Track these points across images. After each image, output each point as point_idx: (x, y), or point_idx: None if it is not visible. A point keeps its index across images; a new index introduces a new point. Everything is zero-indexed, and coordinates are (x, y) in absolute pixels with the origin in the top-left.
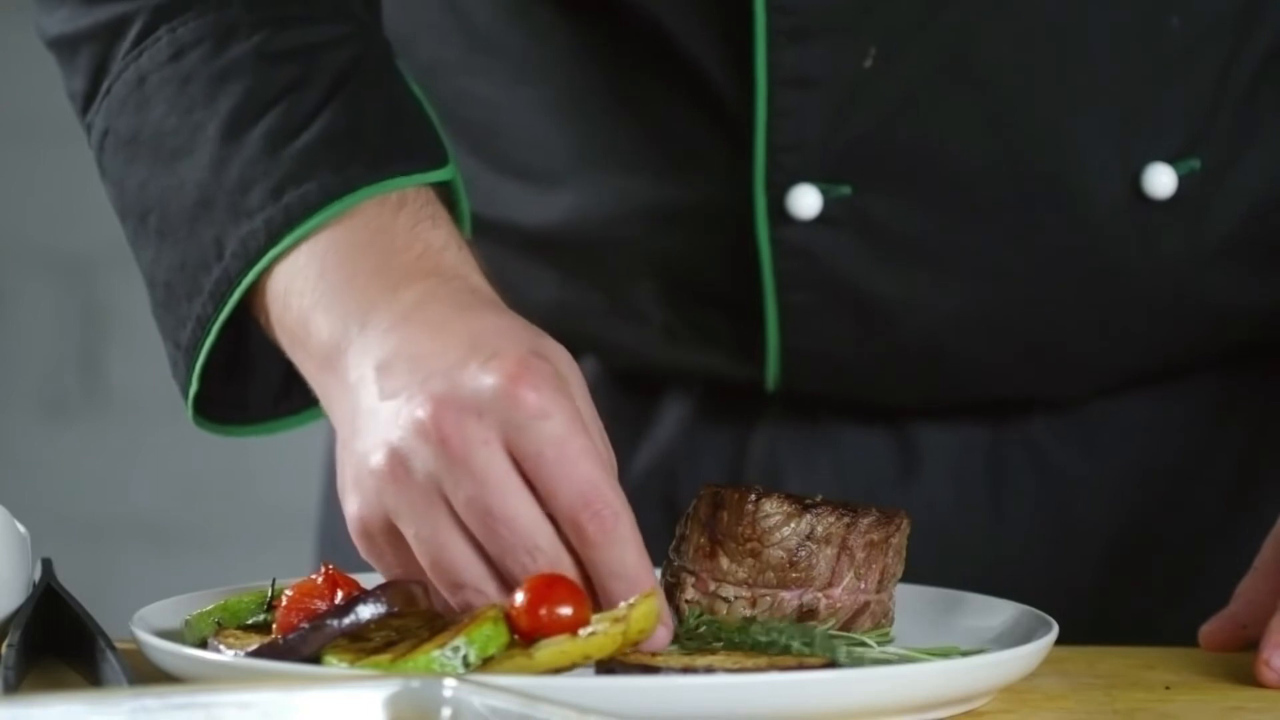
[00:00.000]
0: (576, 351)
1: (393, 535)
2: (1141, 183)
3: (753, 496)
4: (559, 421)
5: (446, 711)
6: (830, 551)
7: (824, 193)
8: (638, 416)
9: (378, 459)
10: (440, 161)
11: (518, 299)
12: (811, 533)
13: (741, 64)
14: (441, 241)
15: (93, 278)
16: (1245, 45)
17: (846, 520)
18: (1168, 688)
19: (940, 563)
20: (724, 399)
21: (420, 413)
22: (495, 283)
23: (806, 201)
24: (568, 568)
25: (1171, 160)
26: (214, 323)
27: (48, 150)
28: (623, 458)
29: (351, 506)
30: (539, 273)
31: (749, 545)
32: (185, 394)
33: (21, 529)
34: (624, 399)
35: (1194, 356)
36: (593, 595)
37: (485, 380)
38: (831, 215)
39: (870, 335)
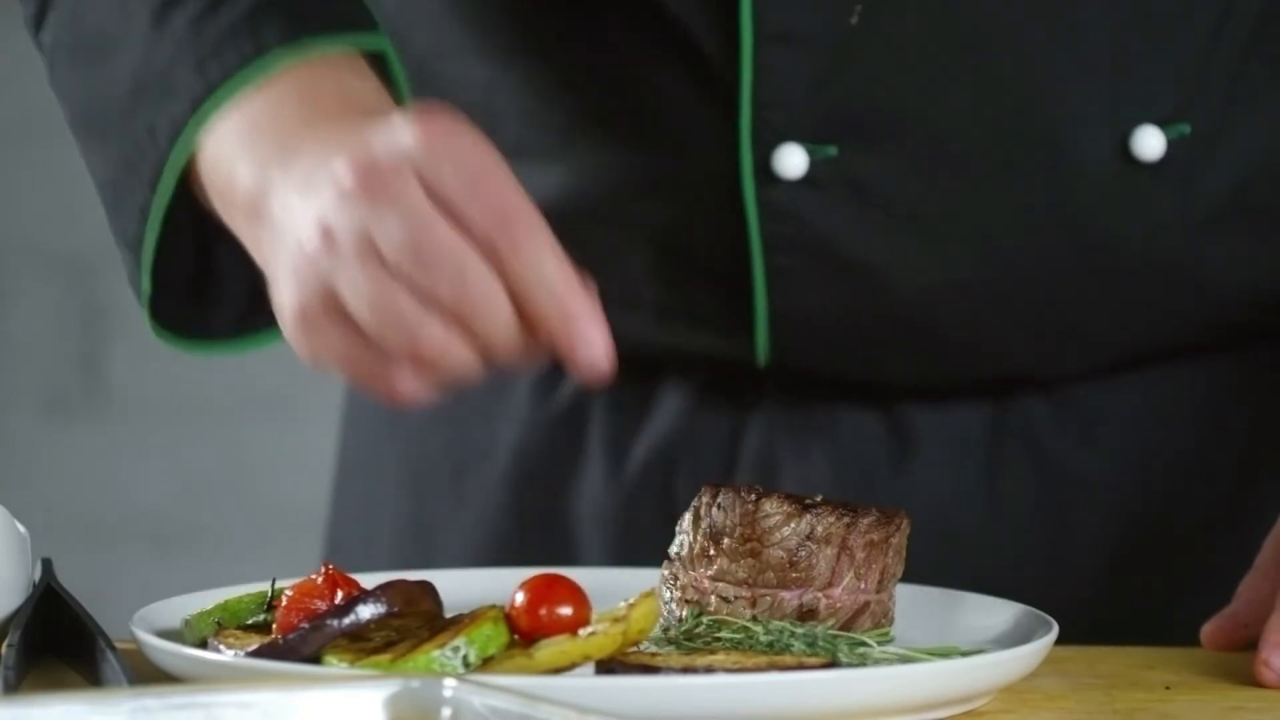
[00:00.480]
0: None
1: (331, 312)
2: (1130, 145)
3: (753, 496)
4: (466, 148)
5: (446, 711)
6: (830, 551)
7: (810, 153)
8: (635, 408)
9: (307, 237)
10: (363, 26)
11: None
12: (811, 533)
13: (728, 22)
14: (365, 88)
15: (93, 278)
16: (1236, 8)
17: (846, 520)
18: (1168, 688)
19: (937, 555)
20: (719, 388)
21: (337, 174)
22: None
23: (793, 161)
24: (495, 289)
25: (1161, 123)
26: (155, 210)
27: (47, 150)
28: (620, 450)
29: (287, 299)
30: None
31: (749, 545)
32: (140, 297)
33: (21, 529)
34: (621, 390)
35: (1193, 337)
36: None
37: (394, 134)
38: (818, 176)
39: (859, 302)
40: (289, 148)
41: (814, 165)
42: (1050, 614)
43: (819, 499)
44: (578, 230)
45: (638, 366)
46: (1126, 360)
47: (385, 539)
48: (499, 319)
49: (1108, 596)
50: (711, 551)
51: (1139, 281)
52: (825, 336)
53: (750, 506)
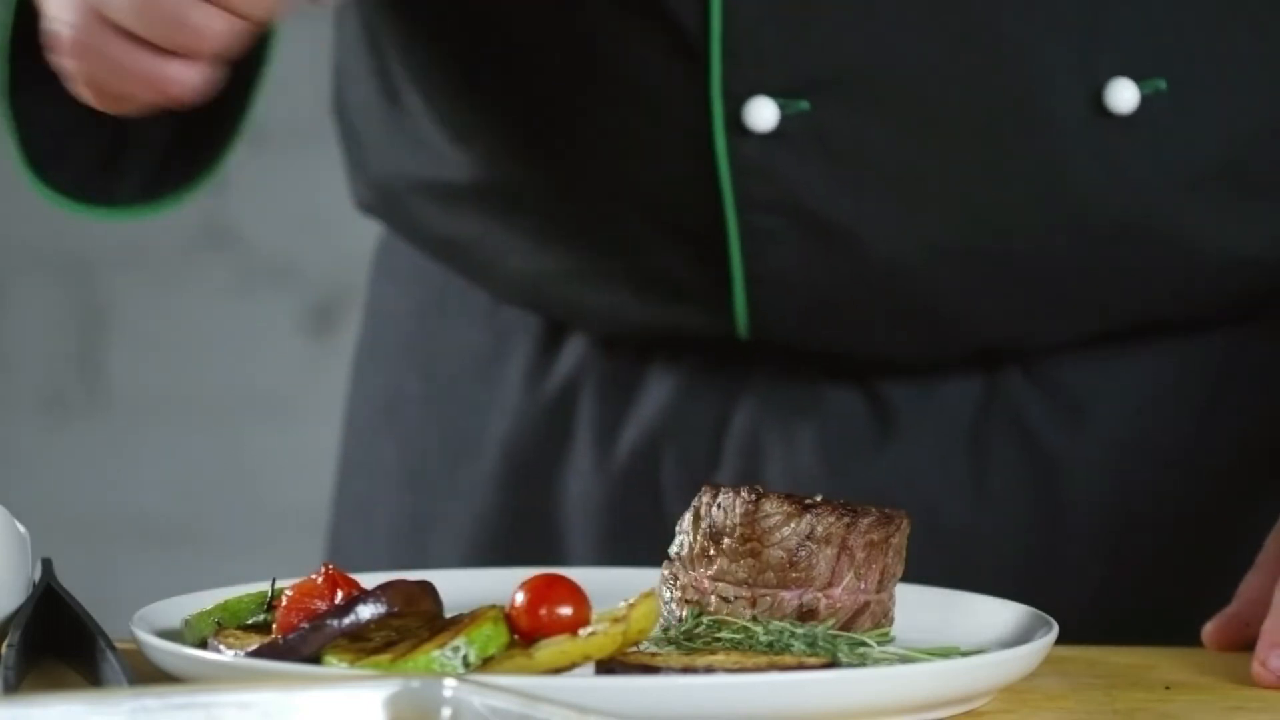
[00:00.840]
0: (560, 324)
1: (102, 29)
2: (1104, 98)
3: (753, 496)
4: None
5: (446, 711)
6: (830, 551)
7: (782, 107)
8: (621, 395)
9: None
10: None
11: (494, 268)
12: (811, 533)
13: None
14: None
15: (93, 278)
16: None
17: (846, 520)
18: (1168, 688)
19: (923, 540)
20: (705, 373)
21: None
22: (474, 253)
23: (763, 114)
24: None
25: (1136, 78)
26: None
27: None
28: (608, 438)
29: (61, 29)
30: (509, 238)
31: (749, 545)
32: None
33: (21, 529)
34: (608, 377)
35: (1185, 310)
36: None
37: None
38: (790, 131)
39: (836, 265)
40: None
41: (785, 120)
42: (1038, 600)
43: (819, 499)
44: (554, 202)
45: (623, 351)
46: (1115, 333)
47: (383, 534)
48: None
49: (1095, 583)
50: (711, 551)
51: (1123, 245)
52: (804, 304)
53: (750, 506)
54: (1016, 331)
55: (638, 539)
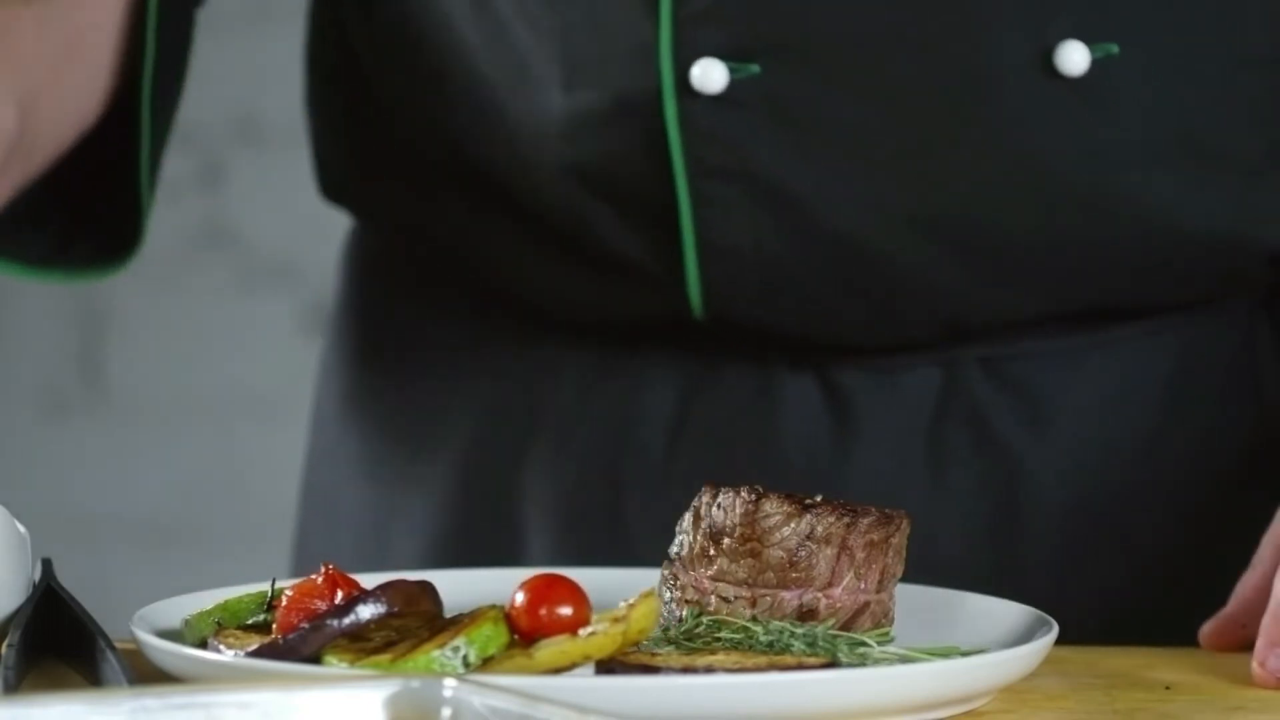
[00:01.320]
0: (523, 316)
1: None
2: (1055, 60)
3: (752, 496)
4: None
5: (446, 711)
6: (830, 551)
7: (732, 71)
8: (581, 389)
9: None
10: None
11: (459, 256)
12: (811, 533)
13: None
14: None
15: None
16: None
17: (846, 520)
18: (1168, 688)
19: None
20: (664, 366)
21: None
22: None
23: (713, 76)
24: None
25: (1087, 41)
26: None
27: None
28: (566, 432)
29: None
30: (469, 223)
31: (749, 545)
32: None
33: (21, 529)
34: (568, 371)
35: (1141, 294)
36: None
37: None
38: (741, 96)
39: (789, 236)
40: None
41: (736, 84)
42: (991, 590)
43: (819, 499)
44: (513, 183)
45: (584, 343)
46: (1075, 316)
47: (345, 524)
48: None
49: (1053, 581)
50: (711, 551)
51: (1079, 213)
52: (758, 278)
53: (750, 506)
54: (974, 307)
55: (598, 531)
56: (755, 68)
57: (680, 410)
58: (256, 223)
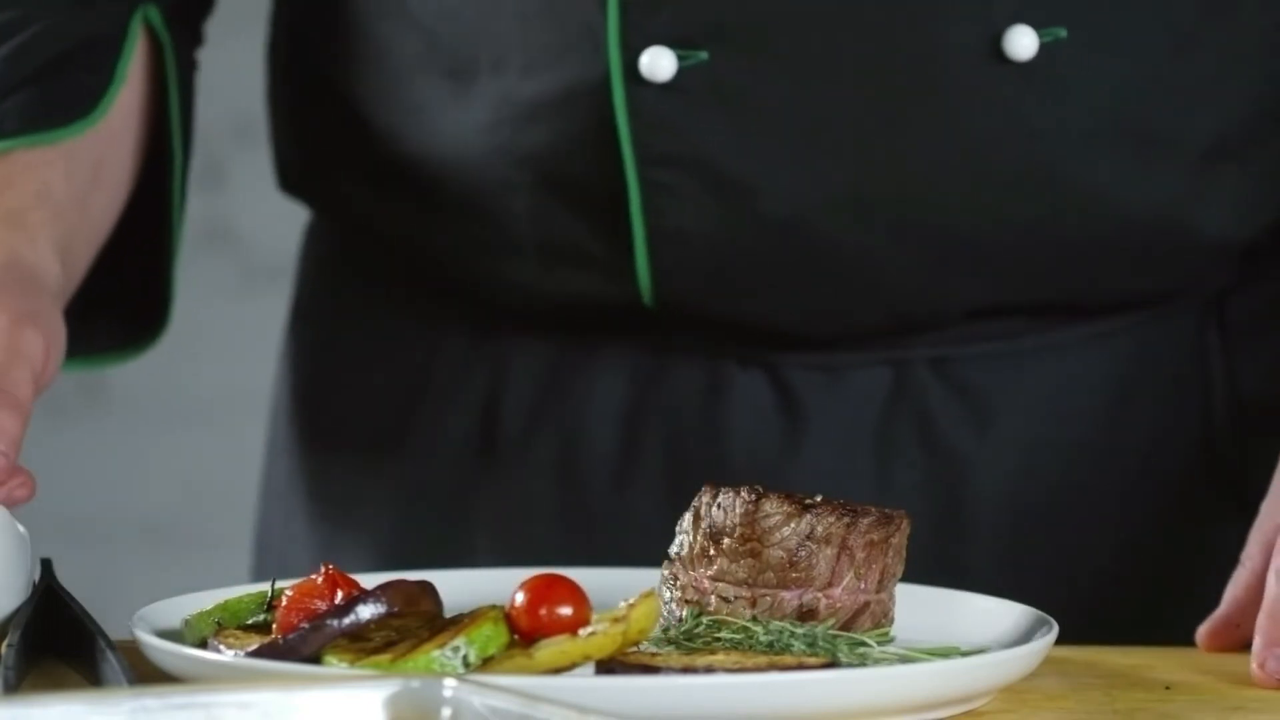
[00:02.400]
0: (480, 311)
1: None
2: (1002, 45)
3: (752, 496)
4: None
5: (446, 711)
6: (830, 551)
7: (680, 59)
8: (539, 386)
9: None
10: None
11: (412, 247)
12: (811, 533)
13: None
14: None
15: None
16: None
17: (846, 520)
18: (1168, 688)
19: None
20: (617, 366)
21: None
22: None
23: (661, 64)
24: None
25: (1035, 25)
26: None
27: None
28: (526, 427)
29: None
30: (432, 214)
31: (749, 545)
32: None
33: (21, 529)
34: (527, 369)
35: (1087, 288)
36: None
37: None
38: (689, 83)
39: (736, 219)
40: None
41: (684, 72)
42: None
43: (819, 499)
44: (461, 174)
45: (542, 343)
46: (1027, 308)
47: (301, 519)
48: None
49: (996, 583)
50: (711, 551)
51: (1025, 199)
52: (706, 265)
53: (750, 506)
54: (921, 297)
55: (551, 526)
56: (703, 55)
57: (631, 408)
58: (256, 223)
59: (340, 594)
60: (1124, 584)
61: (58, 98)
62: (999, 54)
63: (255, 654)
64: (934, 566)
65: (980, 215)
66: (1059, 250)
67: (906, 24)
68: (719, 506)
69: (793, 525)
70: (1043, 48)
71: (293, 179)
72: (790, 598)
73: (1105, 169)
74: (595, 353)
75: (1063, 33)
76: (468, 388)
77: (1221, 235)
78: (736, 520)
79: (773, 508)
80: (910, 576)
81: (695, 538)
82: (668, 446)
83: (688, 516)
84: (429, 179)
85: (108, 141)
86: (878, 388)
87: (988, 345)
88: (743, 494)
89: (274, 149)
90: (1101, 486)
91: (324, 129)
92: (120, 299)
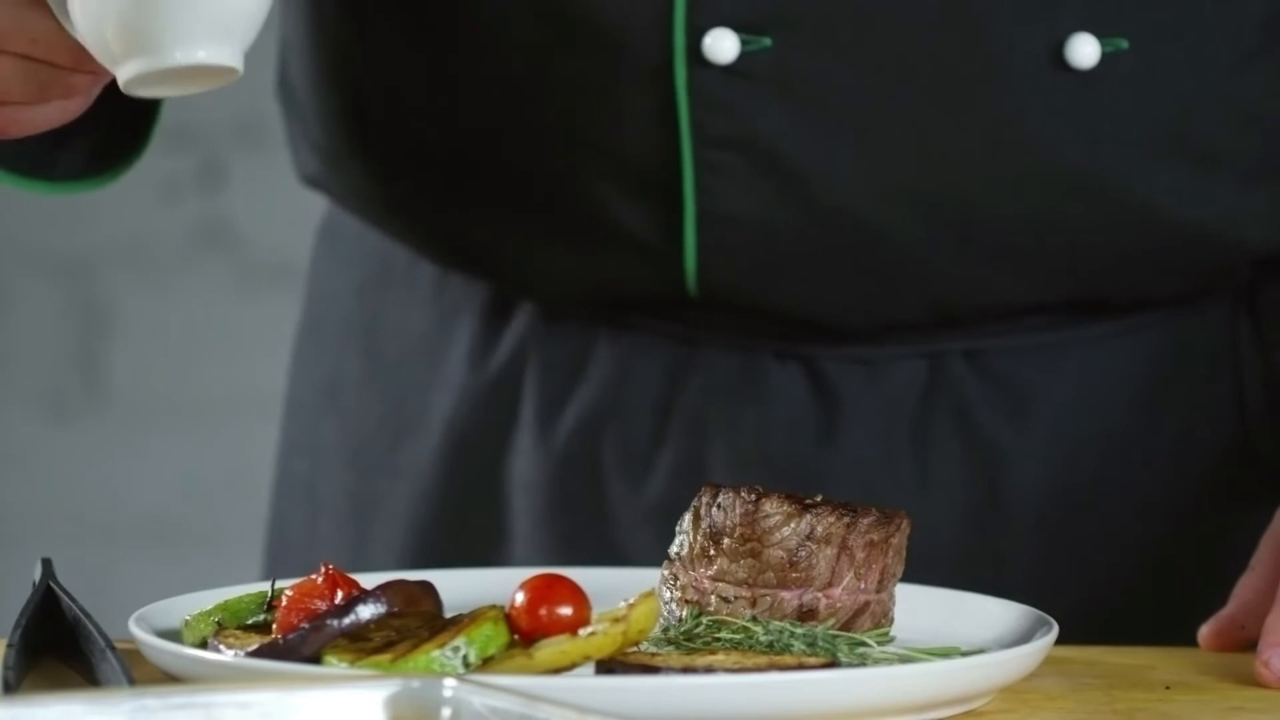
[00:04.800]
0: (505, 300)
1: None
2: (1065, 52)
3: (753, 496)
4: None
5: (446, 711)
6: (830, 551)
7: (744, 43)
8: (566, 372)
9: None
10: None
11: (446, 232)
12: (811, 533)
13: None
14: None
15: (93, 278)
16: None
17: (846, 520)
18: (1168, 688)
19: None
20: (650, 349)
21: None
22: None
23: (724, 45)
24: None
25: (1098, 34)
26: None
27: None
28: (551, 416)
29: None
30: (467, 197)
31: (749, 545)
32: None
33: None
34: (554, 353)
35: (1131, 285)
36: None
37: None
38: (751, 68)
39: (791, 209)
40: None
41: (747, 56)
42: (978, 588)
43: (819, 499)
44: (509, 149)
45: (568, 327)
46: (1064, 305)
47: (326, 514)
48: (34, 26)
49: (1035, 574)
50: (711, 551)
51: (1076, 202)
52: (753, 253)
53: (750, 506)
54: (964, 290)
55: (580, 518)
56: (767, 41)
57: (665, 398)
58: (256, 223)
59: (340, 594)
60: (1156, 575)
61: None
62: (1061, 61)
63: (255, 654)
64: (971, 558)
65: (1030, 217)
66: (1103, 250)
67: (971, 24)
68: (719, 506)
69: (793, 525)
70: (1104, 57)
71: (315, 169)
72: (790, 598)
73: (1158, 180)
74: (628, 342)
75: (1125, 43)
76: (499, 379)
77: (1264, 245)
78: (736, 520)
79: (772, 508)
80: (946, 568)
81: (695, 538)
82: (701, 438)
83: (688, 516)
84: (471, 156)
85: None
86: (914, 379)
87: (1023, 337)
88: (742, 494)
89: (291, 140)
90: (1137, 476)
91: (354, 116)
92: (99, 123)
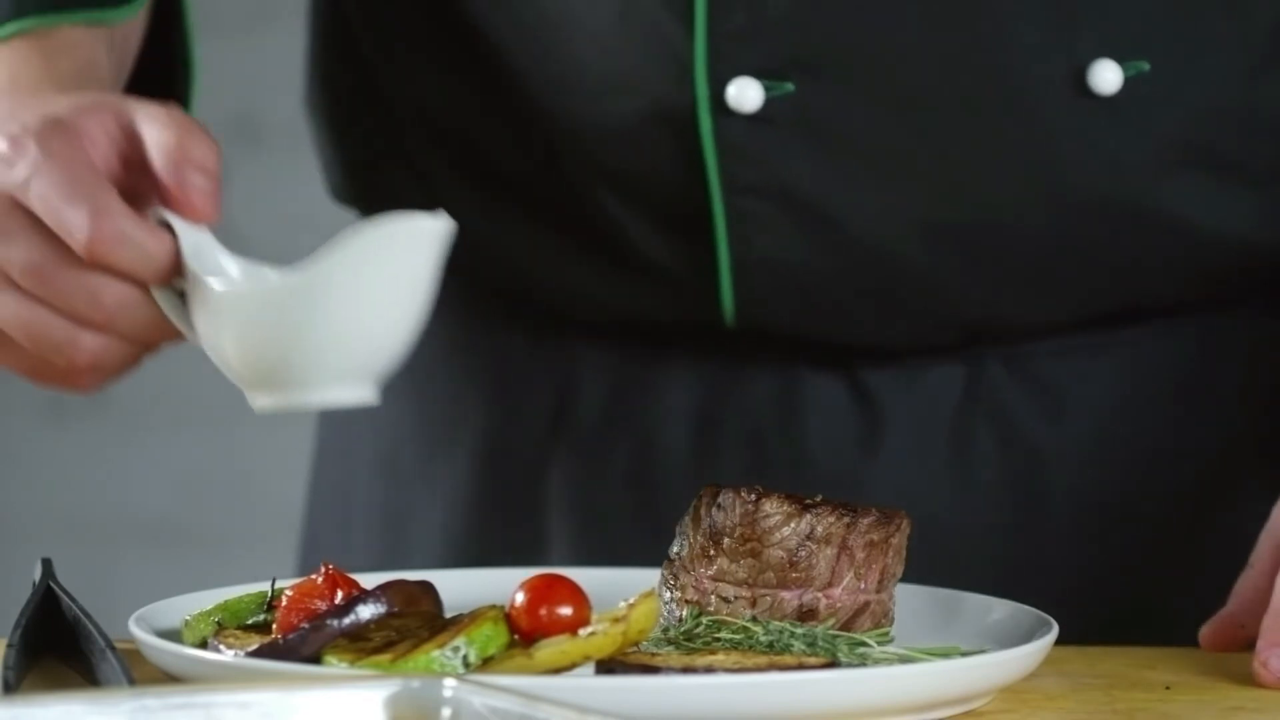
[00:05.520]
0: (544, 315)
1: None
2: (1087, 79)
3: (752, 496)
4: (28, 162)
5: (446, 711)
6: (830, 551)
7: (767, 89)
8: (604, 388)
9: None
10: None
11: (486, 255)
12: (811, 533)
13: None
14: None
15: None
16: None
17: (846, 520)
18: (1168, 688)
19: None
20: (690, 365)
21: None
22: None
23: (748, 94)
24: (129, 295)
25: (1119, 59)
26: None
27: None
28: (590, 430)
29: None
30: (505, 225)
31: (749, 545)
32: None
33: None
34: (591, 370)
35: (1167, 293)
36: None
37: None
38: (775, 114)
39: (823, 248)
40: None
41: (771, 102)
42: (1019, 593)
43: (819, 499)
44: (541, 187)
45: (608, 343)
46: (1096, 317)
47: (360, 523)
48: (140, 317)
49: (1076, 575)
50: (711, 551)
51: (1104, 222)
52: (790, 288)
53: (750, 506)
54: (998, 312)
55: (619, 532)
56: (789, 85)
57: (706, 410)
58: (256, 223)
59: (340, 594)
60: (1191, 581)
61: None
62: (1083, 87)
63: (255, 654)
64: (1015, 561)
65: (1058, 238)
66: (1133, 267)
67: (992, 58)
68: (719, 507)
69: (793, 525)
70: (1126, 81)
71: (349, 190)
72: (790, 598)
73: (1184, 194)
74: (667, 356)
75: (1145, 65)
76: (536, 391)
77: None
78: (736, 520)
79: (773, 508)
80: (987, 570)
81: (695, 538)
82: (743, 449)
83: (688, 517)
84: (508, 192)
85: (135, 22)
86: (952, 384)
87: (1058, 341)
88: (742, 494)
89: (325, 161)
90: (1175, 475)
91: (390, 140)
92: None
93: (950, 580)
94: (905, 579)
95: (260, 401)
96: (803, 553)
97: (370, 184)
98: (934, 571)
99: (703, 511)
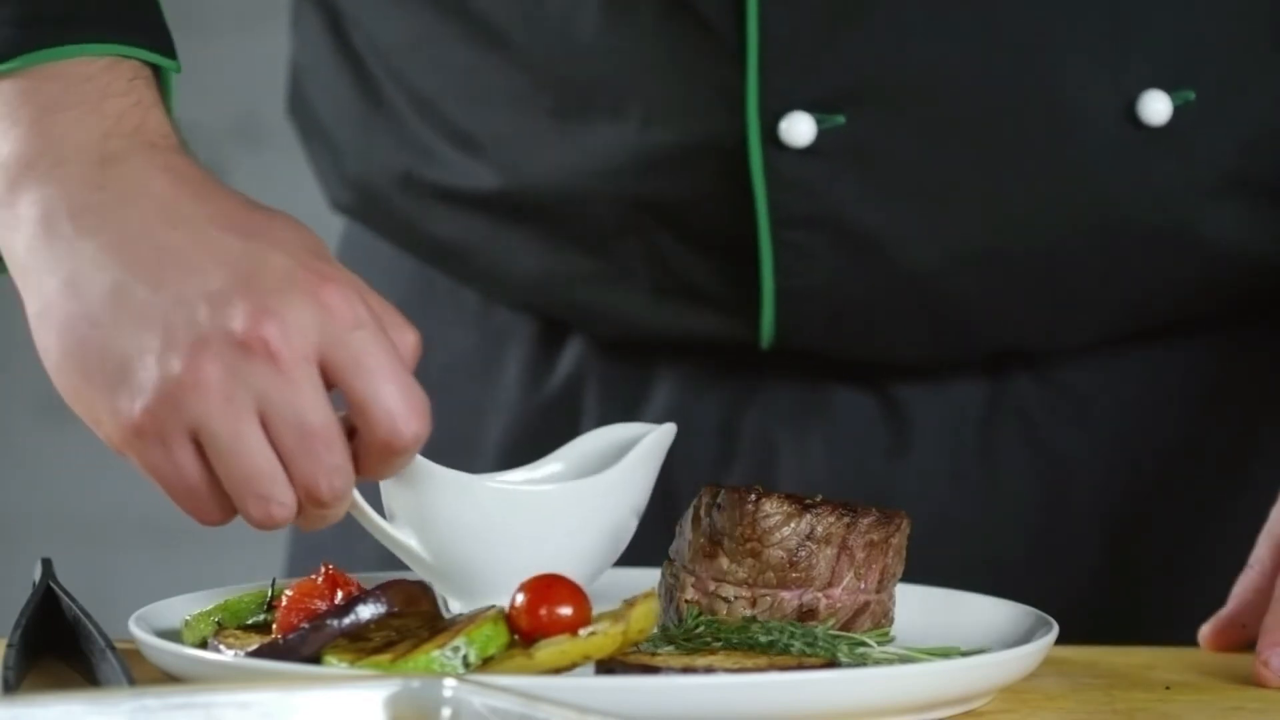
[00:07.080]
0: (560, 324)
1: (180, 435)
2: (1136, 109)
3: (753, 496)
4: (369, 332)
5: (446, 711)
6: (830, 551)
7: (819, 122)
8: (627, 395)
9: (180, 365)
10: (149, 42)
11: (500, 271)
12: (811, 533)
13: None
14: (142, 100)
15: None
16: None
17: (846, 520)
18: (1168, 688)
19: (933, 538)
20: (715, 373)
21: (236, 324)
22: (478, 256)
23: (800, 129)
24: (345, 470)
25: (1167, 89)
26: None
27: None
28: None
29: (133, 405)
30: (522, 242)
31: (749, 545)
32: None
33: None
34: (614, 377)
35: (1198, 307)
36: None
37: (290, 292)
38: (826, 146)
39: (868, 277)
40: (57, 143)
41: (822, 135)
42: (1047, 599)
43: (819, 499)
44: (569, 211)
45: (631, 351)
46: (1130, 331)
47: (360, 524)
48: (339, 491)
49: (1103, 581)
50: (711, 551)
51: (1146, 249)
52: (829, 314)
53: (750, 507)
54: (1030, 331)
55: (643, 538)
56: (840, 118)
57: (731, 420)
58: None
59: (340, 594)
60: (1207, 584)
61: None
62: (1133, 117)
63: (255, 654)
64: (1043, 567)
65: (1098, 264)
66: (1168, 289)
67: (1041, 89)
68: (719, 507)
69: (793, 525)
70: (1174, 111)
71: (350, 201)
72: (790, 598)
73: (1230, 221)
74: (689, 364)
75: (1192, 95)
76: (550, 398)
77: None
78: (736, 520)
79: (773, 508)
80: (1014, 574)
81: (695, 538)
82: (768, 459)
83: (688, 517)
84: (540, 213)
85: None
86: (977, 393)
87: (1084, 347)
88: (742, 494)
89: (321, 172)
90: (1196, 480)
91: (396, 154)
92: None
93: (978, 587)
94: (927, 580)
95: (441, 589)
96: (803, 553)
97: (375, 203)
98: (961, 579)
99: (703, 511)
